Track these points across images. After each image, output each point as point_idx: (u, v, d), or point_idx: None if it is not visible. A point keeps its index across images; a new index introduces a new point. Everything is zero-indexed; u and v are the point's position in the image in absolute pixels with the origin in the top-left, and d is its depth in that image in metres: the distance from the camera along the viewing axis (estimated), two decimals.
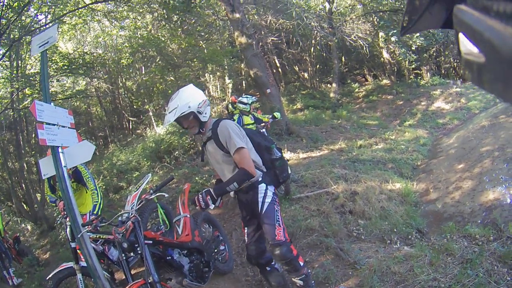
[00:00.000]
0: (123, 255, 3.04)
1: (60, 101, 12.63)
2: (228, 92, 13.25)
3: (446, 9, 0.57)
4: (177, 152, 10.58)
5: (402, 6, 13.79)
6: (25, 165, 12.02)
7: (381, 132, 11.66)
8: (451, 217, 5.05)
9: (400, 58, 15.36)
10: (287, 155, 8.98)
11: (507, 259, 3.47)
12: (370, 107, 16.07)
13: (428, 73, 17.34)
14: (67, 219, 3.82)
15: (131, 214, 3.08)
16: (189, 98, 2.84)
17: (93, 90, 16.96)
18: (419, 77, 17.44)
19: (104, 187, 9.94)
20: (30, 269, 6.66)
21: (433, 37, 14.91)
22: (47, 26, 8.89)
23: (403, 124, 12.96)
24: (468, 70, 0.50)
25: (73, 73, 11.83)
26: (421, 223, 5.07)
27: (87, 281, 4.19)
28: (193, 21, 12.16)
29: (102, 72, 15.78)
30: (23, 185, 11.76)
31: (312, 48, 17.99)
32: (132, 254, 3.06)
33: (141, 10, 13.30)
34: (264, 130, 6.58)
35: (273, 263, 3.23)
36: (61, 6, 11.21)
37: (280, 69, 20.05)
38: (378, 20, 15.10)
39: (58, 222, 5.30)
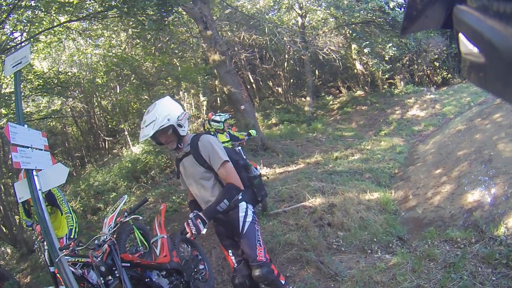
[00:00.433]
0: (101, 278, 2.99)
1: (35, 121, 12.40)
2: (203, 109, 13.29)
3: (446, 9, 0.57)
4: (153, 172, 10.47)
5: (374, 18, 14.11)
6: (2, 186, 11.67)
7: (357, 143, 11.80)
8: (431, 222, 5.08)
9: (373, 68, 15.73)
10: (263, 170, 8.98)
11: (490, 259, 3.47)
12: (345, 118, 16.27)
13: (402, 82, 17.75)
14: (45, 243, 3.76)
15: (107, 237, 3.04)
16: (167, 110, 2.67)
17: (69, 109, 16.69)
18: (393, 87, 17.82)
19: (81, 208, 9.81)
20: None
21: (405, 46, 15.33)
22: (23, 44, 8.79)
23: (378, 134, 13.18)
24: (468, 70, 0.50)
25: (48, 93, 11.65)
26: (402, 231, 5.10)
27: None
28: (167, 39, 12.18)
29: (77, 91, 15.57)
30: (1, 208, 11.39)
31: (286, 62, 18.21)
32: (110, 277, 3.00)
33: (115, 28, 13.26)
34: (239, 147, 6.59)
35: None
36: (37, 24, 11.10)
37: (254, 85, 20.17)
38: (350, 32, 15.40)
39: (36, 246, 5.25)
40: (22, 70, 4.03)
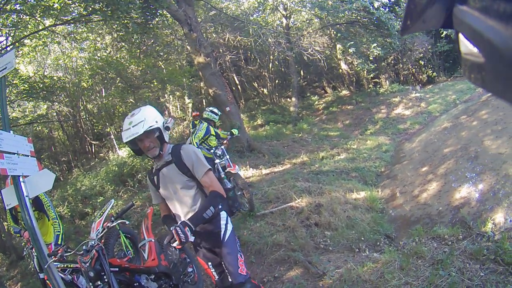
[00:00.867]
0: (90, 284, 3.01)
1: (21, 126, 12.28)
2: (188, 111, 13.26)
3: (446, 9, 0.57)
4: (140, 175, 10.45)
5: (358, 18, 14.21)
6: None
7: (343, 142, 11.86)
8: (418, 220, 5.12)
9: (359, 68, 15.81)
10: (249, 172, 9.03)
11: (478, 255, 3.48)
12: (331, 118, 16.36)
13: (387, 81, 17.97)
14: (33, 250, 3.76)
15: (95, 243, 3.05)
16: (154, 113, 2.69)
17: (55, 114, 16.55)
18: (378, 86, 18.02)
19: (69, 213, 9.74)
20: None
21: (390, 45, 15.44)
22: (8, 48, 8.72)
23: (364, 133, 13.28)
24: (468, 70, 0.50)
25: (34, 97, 11.55)
26: (389, 229, 5.15)
27: None
28: (152, 41, 12.15)
29: (63, 95, 15.44)
30: None
31: (270, 63, 18.24)
32: (99, 282, 3.01)
33: (100, 32, 13.19)
34: (223, 147, 6.59)
35: None
36: (22, 28, 10.99)
37: (239, 86, 20.15)
38: (335, 32, 15.48)
39: (25, 253, 5.20)
40: (7, 75, 4.01)
